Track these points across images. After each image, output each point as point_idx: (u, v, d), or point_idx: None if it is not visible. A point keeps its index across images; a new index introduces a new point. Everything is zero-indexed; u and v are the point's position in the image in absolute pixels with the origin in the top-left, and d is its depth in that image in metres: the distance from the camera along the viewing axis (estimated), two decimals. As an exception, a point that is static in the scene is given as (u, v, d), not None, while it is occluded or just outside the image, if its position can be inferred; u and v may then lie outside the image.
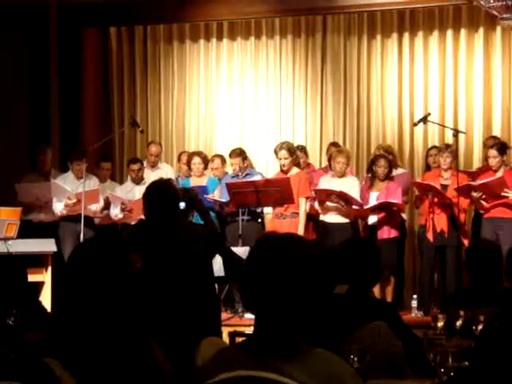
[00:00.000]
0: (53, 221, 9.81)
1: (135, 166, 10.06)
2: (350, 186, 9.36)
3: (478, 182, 9.07)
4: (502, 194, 8.93)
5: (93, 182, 9.86)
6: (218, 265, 7.07)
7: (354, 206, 9.36)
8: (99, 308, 2.71)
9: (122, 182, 10.62)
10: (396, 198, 9.30)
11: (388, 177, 9.46)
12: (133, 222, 9.30)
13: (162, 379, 2.71)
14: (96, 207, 9.71)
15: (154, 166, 10.45)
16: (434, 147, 10.04)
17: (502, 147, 9.20)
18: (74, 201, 9.43)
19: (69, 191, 9.54)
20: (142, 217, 8.98)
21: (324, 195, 9.33)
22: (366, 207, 9.32)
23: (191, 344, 3.29)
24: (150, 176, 10.03)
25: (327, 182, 9.46)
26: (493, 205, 9.02)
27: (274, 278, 2.26)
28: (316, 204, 9.45)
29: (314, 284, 2.29)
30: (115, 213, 9.71)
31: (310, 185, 9.45)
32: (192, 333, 5.51)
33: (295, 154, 9.56)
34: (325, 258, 2.37)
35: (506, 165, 9.26)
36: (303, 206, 9.27)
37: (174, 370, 2.82)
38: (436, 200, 9.18)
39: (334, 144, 10.44)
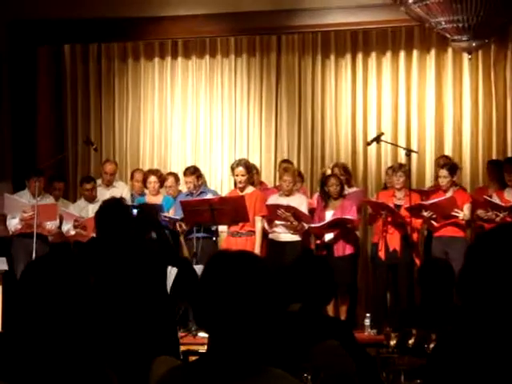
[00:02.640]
0: (2, 236, 9.68)
1: (88, 186, 9.99)
2: (298, 203, 9.38)
3: (429, 201, 9.18)
4: (452, 213, 9.05)
5: (49, 201, 9.79)
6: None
7: (304, 224, 9.39)
8: (51, 327, 2.68)
9: (75, 201, 10.52)
10: (351, 215, 9.36)
11: (341, 195, 9.51)
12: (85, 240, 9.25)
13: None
14: (51, 225, 9.61)
15: (109, 184, 10.38)
16: (391, 167, 10.10)
17: (452, 167, 9.34)
18: (31, 213, 9.28)
19: (24, 203, 9.41)
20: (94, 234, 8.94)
21: (273, 212, 9.33)
22: (321, 224, 9.35)
23: (145, 363, 3.27)
24: (105, 194, 9.94)
25: (275, 201, 9.49)
26: (442, 224, 9.13)
27: (227, 295, 2.25)
28: (265, 223, 9.46)
29: (267, 302, 2.29)
30: (67, 228, 9.63)
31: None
32: (147, 352, 5.47)
33: (251, 171, 9.60)
34: (278, 275, 2.38)
35: (456, 185, 9.40)
36: (259, 224, 9.29)
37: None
38: (389, 219, 9.25)
39: (285, 161, 10.50)
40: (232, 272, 2.28)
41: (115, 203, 5.93)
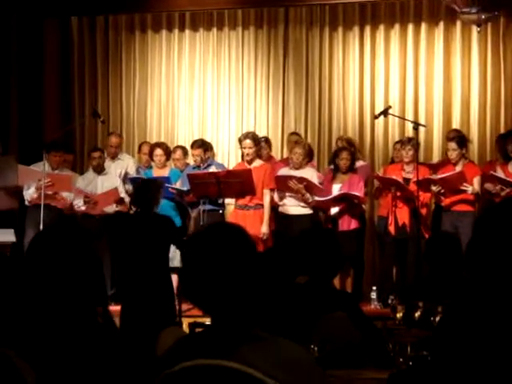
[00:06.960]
0: (8, 208, 9.64)
1: (96, 154, 10.02)
2: (309, 176, 9.35)
3: (438, 176, 9.14)
4: (461, 187, 9.01)
5: (67, 173, 9.88)
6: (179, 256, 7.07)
7: (316, 197, 9.36)
8: (57, 297, 2.70)
9: (82, 173, 10.54)
10: (358, 191, 9.32)
11: (350, 169, 9.47)
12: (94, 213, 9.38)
13: (123, 371, 2.71)
14: (67, 197, 9.65)
15: (114, 157, 10.39)
16: (399, 141, 10.05)
17: (461, 140, 9.27)
18: (48, 180, 9.29)
19: (39, 171, 9.40)
20: (106, 209, 9.28)
21: (283, 183, 9.30)
22: (327, 198, 9.33)
23: (147, 330, 3.29)
24: (111, 167, 10.06)
25: (286, 173, 9.45)
26: (452, 199, 9.10)
27: (207, 267, 2.28)
28: (275, 195, 9.43)
29: (248, 269, 2.30)
30: (77, 203, 9.67)
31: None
32: (148, 319, 5.93)
33: (259, 144, 9.57)
34: (285, 247, 2.39)
35: (466, 158, 9.35)
36: (268, 198, 9.27)
37: (134, 359, 2.81)
38: (399, 194, 9.21)
39: (294, 134, 10.49)
40: (207, 243, 2.30)
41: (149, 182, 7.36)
